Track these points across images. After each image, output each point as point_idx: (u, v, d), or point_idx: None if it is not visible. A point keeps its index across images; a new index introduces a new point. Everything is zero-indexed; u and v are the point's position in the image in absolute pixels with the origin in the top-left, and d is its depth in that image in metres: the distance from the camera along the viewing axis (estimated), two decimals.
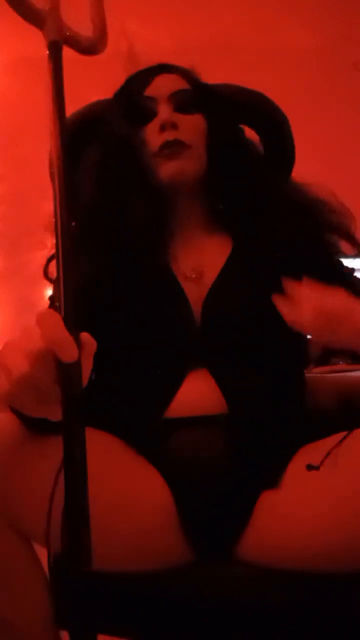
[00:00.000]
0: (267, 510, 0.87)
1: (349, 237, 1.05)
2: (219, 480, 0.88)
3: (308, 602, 0.84)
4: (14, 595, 0.82)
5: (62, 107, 0.73)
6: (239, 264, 1.01)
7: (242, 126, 1.14)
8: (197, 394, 0.92)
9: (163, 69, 1.07)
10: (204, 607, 0.86)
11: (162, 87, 1.04)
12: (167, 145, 0.99)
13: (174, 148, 1.00)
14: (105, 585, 0.87)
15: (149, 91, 1.04)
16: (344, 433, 0.86)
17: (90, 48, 0.81)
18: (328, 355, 1.07)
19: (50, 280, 1.08)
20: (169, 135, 0.99)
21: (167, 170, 1.00)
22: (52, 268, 1.08)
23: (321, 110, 2.59)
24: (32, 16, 0.80)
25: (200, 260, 1.02)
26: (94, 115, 1.13)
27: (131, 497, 0.86)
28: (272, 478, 0.89)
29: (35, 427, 0.81)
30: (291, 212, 1.03)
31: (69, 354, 0.60)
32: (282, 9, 2.58)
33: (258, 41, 2.63)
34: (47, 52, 0.77)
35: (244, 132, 1.13)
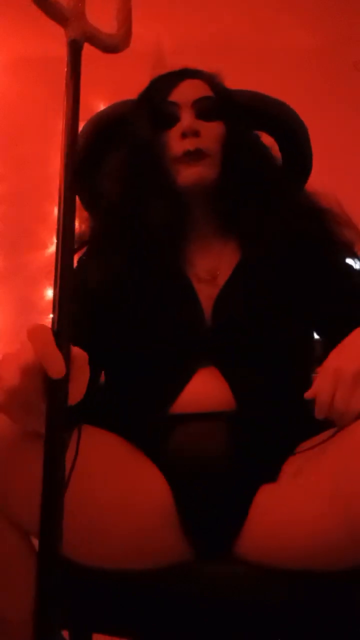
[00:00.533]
0: (265, 509, 0.87)
1: (351, 252, 1.07)
2: (219, 478, 0.88)
3: (308, 602, 0.84)
4: (14, 595, 0.82)
5: (76, 105, 0.73)
6: (249, 267, 1.03)
7: (260, 133, 1.16)
8: (205, 390, 0.94)
9: (188, 74, 1.10)
10: (204, 607, 0.86)
11: (186, 93, 1.06)
12: (188, 153, 1.02)
13: (195, 157, 1.02)
14: (105, 585, 0.87)
15: (173, 96, 1.06)
16: (346, 429, 0.87)
17: (112, 47, 0.81)
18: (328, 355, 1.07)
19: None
20: (190, 144, 1.02)
21: (187, 176, 1.03)
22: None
23: (321, 110, 2.59)
24: (54, 13, 0.79)
25: (214, 263, 1.05)
26: (119, 116, 1.16)
27: (131, 496, 0.87)
28: (270, 472, 0.90)
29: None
30: (301, 220, 1.05)
31: (56, 369, 0.63)
32: (282, 9, 2.58)
33: (258, 41, 2.63)
34: (67, 50, 0.76)
35: (260, 139, 1.16)
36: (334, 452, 0.84)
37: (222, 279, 1.03)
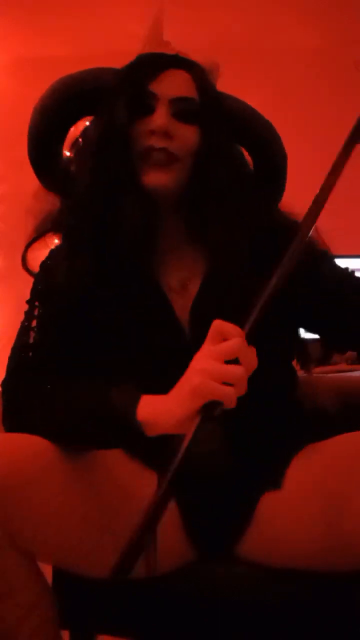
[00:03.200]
0: (268, 511, 0.87)
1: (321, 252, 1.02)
2: (220, 481, 0.88)
3: (308, 602, 0.84)
4: (16, 609, 0.80)
5: None
6: (217, 278, 0.98)
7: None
8: None
9: (176, 63, 1.00)
10: (204, 607, 0.86)
11: (167, 87, 0.97)
12: (152, 150, 0.94)
13: (161, 157, 0.95)
14: (105, 585, 0.87)
15: (154, 86, 0.97)
16: (345, 435, 0.87)
17: None
18: (328, 355, 1.07)
19: (30, 273, 1.06)
20: (156, 142, 0.94)
21: (152, 180, 0.95)
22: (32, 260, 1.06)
23: (321, 110, 2.59)
24: None
25: (184, 271, 0.99)
26: (94, 83, 1.05)
27: (133, 500, 0.86)
28: (273, 479, 0.89)
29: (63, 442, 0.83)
30: (269, 234, 0.99)
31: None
32: (282, 9, 2.58)
33: (258, 41, 2.62)
34: None
35: (237, 150, 1.08)
36: (335, 457, 0.84)
37: (193, 288, 0.98)
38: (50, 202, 1.06)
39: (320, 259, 1.01)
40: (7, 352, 0.99)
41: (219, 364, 0.76)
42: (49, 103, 1.05)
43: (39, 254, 1.06)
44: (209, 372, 0.75)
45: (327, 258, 1.02)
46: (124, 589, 0.87)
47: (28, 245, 1.05)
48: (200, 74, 1.01)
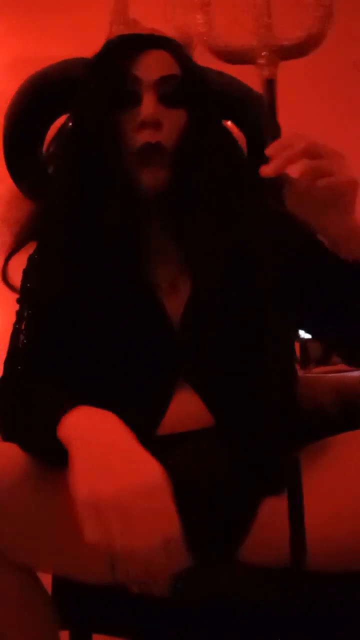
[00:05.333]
0: (269, 516, 0.86)
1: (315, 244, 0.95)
2: (219, 489, 0.87)
3: (308, 603, 0.83)
4: (12, 620, 0.80)
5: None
6: (208, 277, 0.92)
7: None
8: (185, 409, 0.89)
9: (153, 42, 0.92)
10: (204, 607, 0.85)
11: (151, 68, 0.89)
12: (146, 148, 0.88)
13: (153, 154, 0.88)
14: (105, 585, 0.87)
15: (136, 70, 0.89)
16: (345, 434, 0.87)
17: (303, 51, 0.80)
18: (328, 355, 1.07)
19: (11, 287, 1.00)
20: (150, 136, 0.88)
21: (149, 180, 0.89)
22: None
23: (321, 109, 2.59)
24: (241, 58, 0.79)
25: (174, 270, 0.94)
26: (65, 77, 0.99)
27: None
28: (273, 485, 0.88)
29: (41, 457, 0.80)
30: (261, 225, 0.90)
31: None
32: (281, 8, 2.57)
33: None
34: (263, 87, 0.77)
35: (227, 131, 1.01)
36: (337, 457, 0.84)
37: (184, 289, 0.93)
38: (26, 210, 1.02)
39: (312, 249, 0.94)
40: (5, 353, 0.98)
41: None
42: (18, 108, 1.00)
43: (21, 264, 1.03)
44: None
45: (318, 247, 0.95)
46: (124, 589, 0.87)
47: (7, 259, 1.00)
48: (180, 51, 0.94)
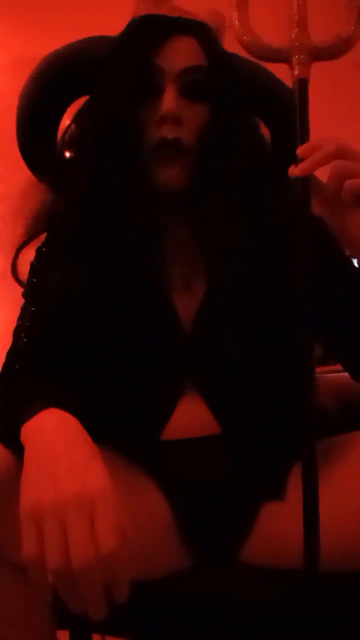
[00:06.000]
0: (269, 520, 0.86)
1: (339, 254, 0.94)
2: (218, 489, 0.87)
3: (308, 603, 0.83)
4: (10, 622, 0.79)
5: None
6: (223, 279, 0.89)
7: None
8: (191, 415, 0.88)
9: (180, 26, 0.87)
10: (203, 607, 0.85)
11: (175, 57, 0.85)
12: (165, 144, 0.85)
13: (172, 151, 0.86)
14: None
15: (159, 59, 0.85)
16: (345, 435, 0.87)
17: (338, 53, 0.81)
18: (328, 355, 1.07)
19: (19, 282, 0.99)
20: (168, 132, 0.85)
21: (164, 177, 0.87)
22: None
23: (321, 109, 2.58)
24: (274, 57, 0.79)
25: (188, 269, 0.92)
26: (84, 58, 0.95)
27: (132, 512, 0.83)
28: (275, 490, 0.88)
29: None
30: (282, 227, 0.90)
31: None
32: (281, 8, 2.57)
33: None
34: (294, 86, 0.77)
35: (254, 127, 0.97)
36: (339, 458, 0.84)
37: (197, 289, 0.91)
38: (41, 201, 0.99)
39: (335, 256, 0.94)
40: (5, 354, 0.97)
41: None
42: (34, 91, 0.96)
43: (31, 257, 1.02)
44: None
45: (341, 256, 0.95)
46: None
47: (19, 249, 0.98)
48: (209, 37, 0.89)
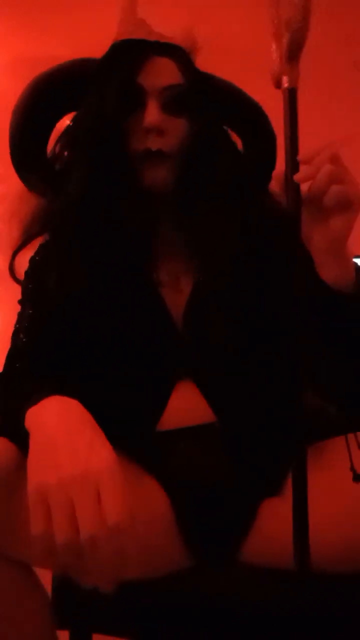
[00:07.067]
0: (269, 518, 0.87)
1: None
2: (218, 489, 0.87)
3: (308, 603, 0.83)
4: (10, 620, 0.80)
5: (294, 153, 0.77)
6: (210, 274, 0.95)
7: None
8: (186, 404, 0.91)
9: (158, 49, 0.97)
10: (203, 607, 0.86)
11: (155, 77, 0.94)
12: (149, 154, 0.93)
13: (156, 160, 0.93)
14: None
15: (141, 78, 0.94)
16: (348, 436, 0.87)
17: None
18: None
19: (18, 281, 1.03)
20: (152, 143, 0.93)
21: (150, 178, 0.94)
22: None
23: (321, 109, 2.58)
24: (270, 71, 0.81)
25: (175, 266, 0.97)
26: (72, 77, 1.02)
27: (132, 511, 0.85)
28: (273, 485, 0.88)
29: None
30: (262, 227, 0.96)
31: None
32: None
33: (257, 41, 2.62)
34: (284, 97, 0.78)
35: (228, 136, 1.05)
36: (337, 462, 0.84)
37: (185, 285, 0.96)
38: (37, 204, 1.04)
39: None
40: (5, 355, 0.99)
41: None
42: (28, 104, 1.02)
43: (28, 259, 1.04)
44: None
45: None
46: (124, 589, 0.87)
47: (16, 252, 1.03)
48: (184, 58, 0.99)
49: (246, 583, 0.86)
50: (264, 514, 0.87)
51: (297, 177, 0.77)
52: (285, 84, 0.79)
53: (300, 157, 0.78)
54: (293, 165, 0.77)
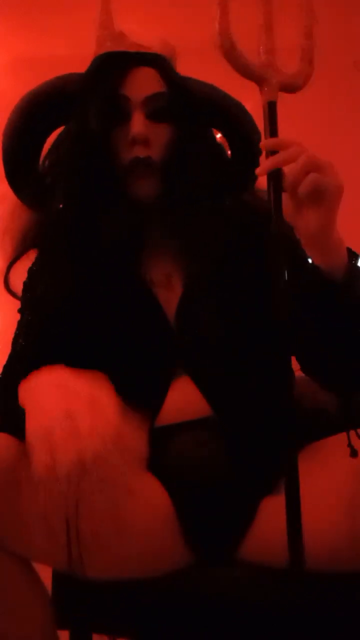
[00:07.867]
0: (268, 516, 0.87)
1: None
2: (218, 488, 0.88)
3: (308, 603, 0.84)
4: (11, 616, 0.80)
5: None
6: (200, 272, 0.98)
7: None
8: (183, 398, 0.92)
9: (140, 60, 0.99)
10: (203, 607, 0.86)
11: (139, 87, 0.96)
12: (137, 162, 0.95)
13: (144, 168, 0.95)
14: (105, 585, 0.87)
15: (125, 89, 0.96)
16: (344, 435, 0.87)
17: (296, 87, 0.86)
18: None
19: (13, 295, 1.06)
20: (140, 152, 0.95)
21: (139, 190, 0.96)
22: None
23: (321, 109, 2.58)
24: (249, 73, 0.84)
25: (167, 265, 0.99)
26: (60, 92, 1.04)
27: (130, 505, 0.85)
28: (270, 484, 0.89)
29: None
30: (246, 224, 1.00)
31: None
32: (281, 8, 2.57)
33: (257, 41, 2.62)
34: (264, 109, 0.80)
35: (213, 138, 1.08)
36: (341, 457, 0.84)
37: (176, 283, 0.98)
38: (28, 219, 1.06)
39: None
40: (5, 357, 1.00)
41: None
42: (17, 123, 1.03)
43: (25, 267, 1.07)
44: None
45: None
46: (124, 589, 0.87)
47: (9, 267, 1.06)
48: (165, 66, 1.01)
49: (246, 583, 0.86)
50: (263, 513, 0.87)
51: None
52: (266, 97, 0.81)
53: (264, 145, 0.80)
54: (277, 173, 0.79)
